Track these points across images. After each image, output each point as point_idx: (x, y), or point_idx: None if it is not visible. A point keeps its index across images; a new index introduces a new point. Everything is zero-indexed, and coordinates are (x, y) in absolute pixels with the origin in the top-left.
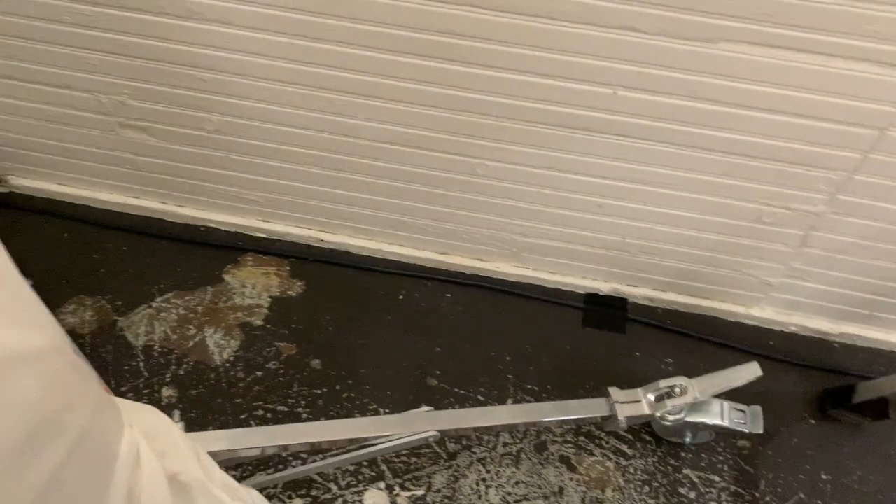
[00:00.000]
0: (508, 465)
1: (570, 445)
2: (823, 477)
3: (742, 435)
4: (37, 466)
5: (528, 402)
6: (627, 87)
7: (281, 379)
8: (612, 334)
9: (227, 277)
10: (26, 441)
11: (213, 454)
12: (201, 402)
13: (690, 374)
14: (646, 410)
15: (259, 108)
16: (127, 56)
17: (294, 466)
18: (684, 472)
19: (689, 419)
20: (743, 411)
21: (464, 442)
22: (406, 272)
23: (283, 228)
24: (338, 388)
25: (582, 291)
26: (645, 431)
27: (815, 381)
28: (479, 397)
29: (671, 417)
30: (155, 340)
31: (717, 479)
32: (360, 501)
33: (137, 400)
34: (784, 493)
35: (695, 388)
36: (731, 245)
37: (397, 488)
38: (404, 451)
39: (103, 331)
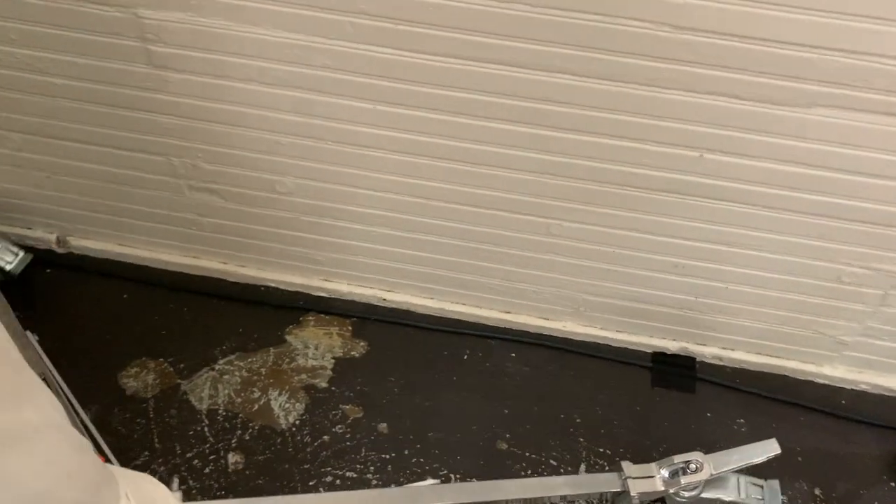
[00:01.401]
0: None
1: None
2: None
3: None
4: None
5: (601, 466)
6: (714, 150)
7: (348, 443)
8: (682, 394)
9: (289, 338)
10: None
11: None
12: (268, 467)
13: (763, 435)
14: (659, 487)
15: (336, 172)
16: (202, 120)
17: None
18: None
19: (704, 495)
20: (760, 486)
21: None
22: (470, 331)
23: (345, 288)
24: (406, 452)
25: (649, 350)
26: None
27: (892, 442)
28: (552, 461)
29: (686, 494)
30: (219, 404)
31: None
32: None
33: (203, 467)
34: None
35: (710, 464)
36: (807, 305)
37: None
38: None
39: (166, 394)
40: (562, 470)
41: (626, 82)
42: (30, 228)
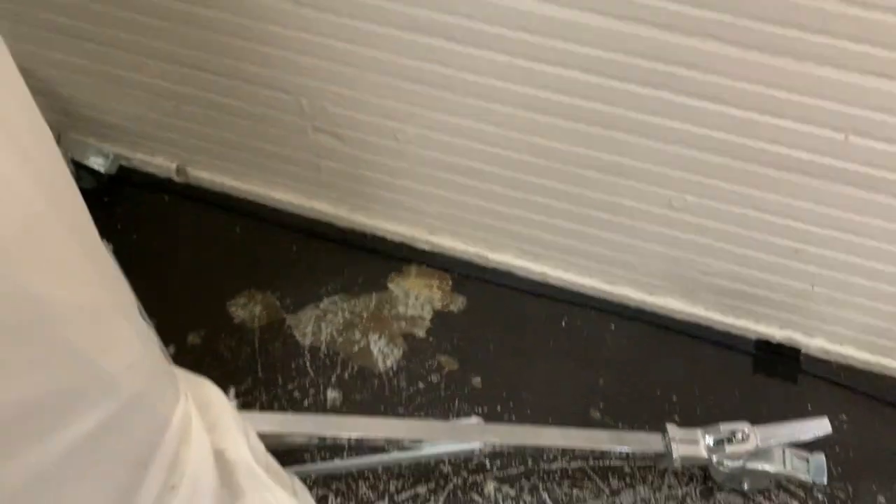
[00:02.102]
0: None
1: (736, 494)
2: None
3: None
4: (84, 419)
5: None
6: (862, 133)
7: (443, 393)
8: (784, 384)
9: (391, 286)
10: (74, 392)
11: (261, 436)
12: (365, 407)
13: (866, 435)
14: (703, 453)
15: (458, 124)
16: (335, 61)
17: (328, 461)
18: None
19: (748, 466)
20: (806, 460)
21: (627, 480)
22: (570, 299)
23: (449, 242)
24: (499, 409)
25: (753, 336)
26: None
27: None
28: None
29: (729, 464)
30: (321, 342)
31: None
32: None
33: (303, 399)
34: None
35: (757, 435)
36: None
37: None
38: (566, 481)
39: (272, 327)
40: None
41: (771, 53)
42: (152, 156)
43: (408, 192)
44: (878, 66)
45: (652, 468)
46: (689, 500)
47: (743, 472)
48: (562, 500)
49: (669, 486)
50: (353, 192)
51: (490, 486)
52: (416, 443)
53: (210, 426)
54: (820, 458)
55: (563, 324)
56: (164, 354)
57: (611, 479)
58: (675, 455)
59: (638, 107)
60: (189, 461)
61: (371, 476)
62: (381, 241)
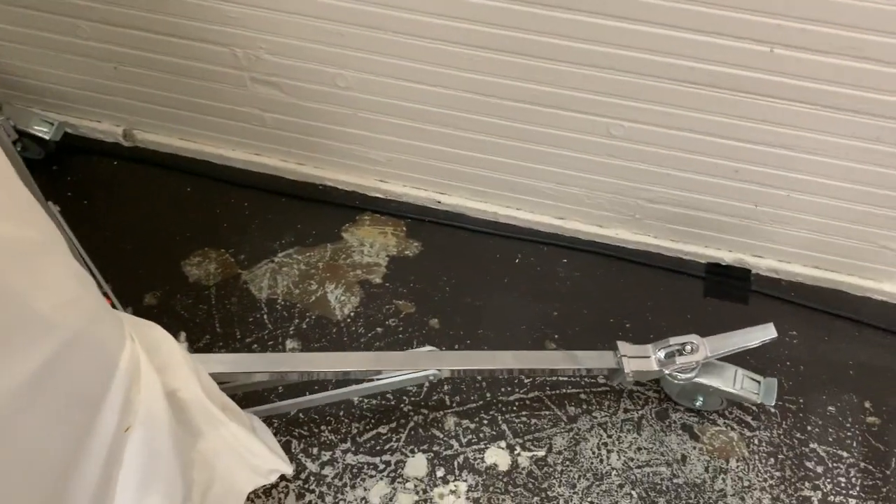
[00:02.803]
0: (630, 430)
1: (692, 414)
2: None
3: (756, 406)
4: (24, 357)
5: None
6: (787, 44)
7: (401, 336)
8: (735, 305)
9: (345, 235)
10: (10, 331)
11: (215, 377)
12: None
13: (815, 349)
14: (654, 367)
15: (396, 65)
16: (265, 8)
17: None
18: (811, 445)
19: (699, 380)
20: (758, 381)
21: (584, 406)
22: (522, 236)
23: (400, 189)
24: (456, 347)
25: (703, 261)
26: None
27: None
28: None
29: (681, 377)
30: (278, 294)
31: (845, 454)
32: (482, 459)
33: (263, 351)
34: None
35: (706, 346)
36: (871, 216)
37: (518, 448)
38: (524, 412)
39: (228, 283)
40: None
41: None
42: (98, 122)
43: (355, 140)
44: None
45: (608, 393)
46: (644, 421)
47: (696, 388)
48: (520, 429)
49: (625, 410)
50: (301, 144)
51: (450, 422)
52: (373, 376)
53: (161, 368)
54: (772, 381)
55: (517, 261)
56: (115, 302)
57: (568, 407)
58: (627, 370)
59: (567, 34)
60: (141, 402)
61: (333, 420)
62: (333, 191)
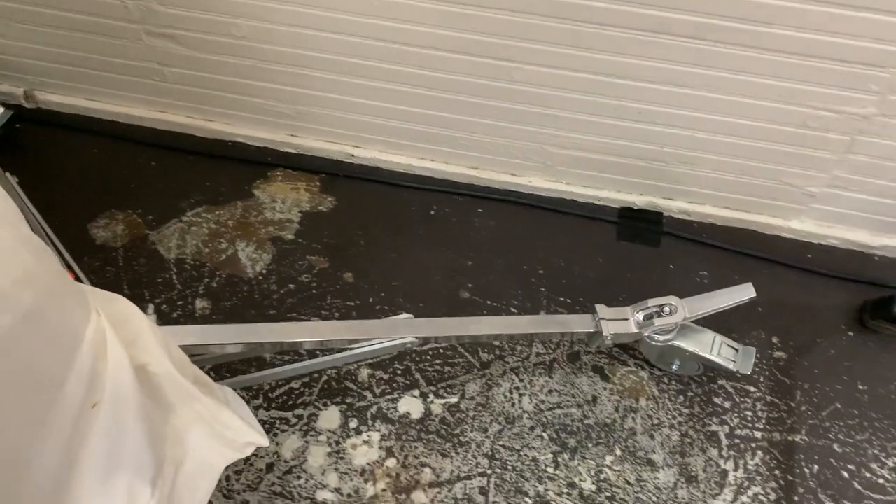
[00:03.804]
0: (541, 374)
1: (603, 356)
2: (861, 387)
3: (724, 371)
4: None
5: (561, 313)
6: None
7: (314, 291)
8: (647, 248)
9: (257, 192)
10: None
11: (186, 349)
12: (235, 313)
13: (726, 286)
14: (633, 329)
15: (288, 12)
16: None
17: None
18: (719, 382)
19: (678, 344)
20: (736, 349)
21: (497, 352)
22: (437, 187)
23: (312, 143)
24: (371, 300)
25: (616, 205)
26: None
27: (855, 294)
28: (513, 309)
29: (659, 338)
30: (187, 254)
31: (752, 389)
32: (395, 409)
33: (171, 312)
34: (820, 403)
35: (685, 307)
36: (772, 152)
37: (431, 396)
38: (438, 361)
39: (135, 244)
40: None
41: None
42: None
43: (261, 94)
44: None
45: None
46: (556, 364)
47: (673, 352)
48: (434, 378)
49: (537, 354)
50: (207, 100)
51: (364, 374)
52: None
53: (129, 342)
54: (749, 350)
55: (433, 212)
56: (71, 273)
57: (481, 353)
58: (605, 333)
59: None
60: (108, 377)
61: None
62: (244, 148)
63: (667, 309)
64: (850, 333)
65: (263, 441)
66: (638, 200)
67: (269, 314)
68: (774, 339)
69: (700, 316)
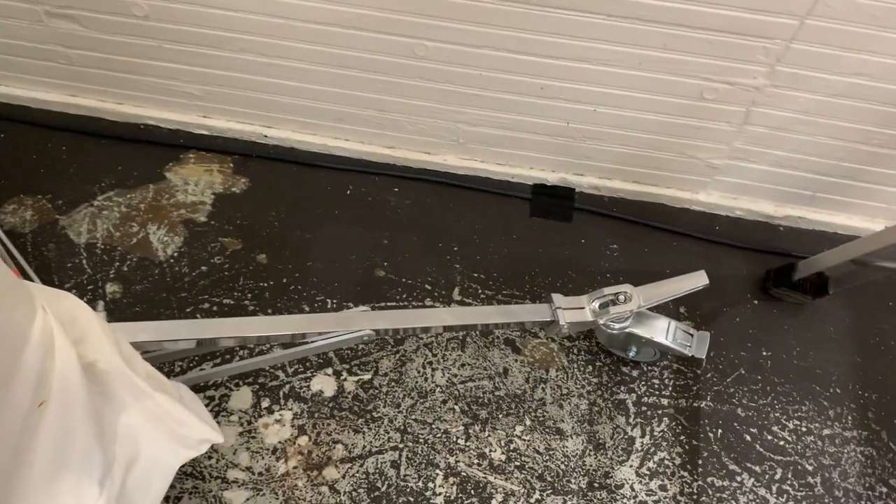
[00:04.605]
0: (454, 349)
1: (515, 329)
2: (764, 353)
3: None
4: None
5: (475, 289)
6: None
7: (226, 273)
8: (559, 223)
9: (168, 175)
10: None
11: (137, 346)
12: (146, 296)
13: (636, 261)
14: (589, 317)
15: None
16: None
17: (229, 363)
18: None
19: (633, 331)
20: (691, 334)
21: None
22: (353, 167)
23: (224, 124)
24: (285, 280)
25: (529, 182)
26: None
27: (760, 264)
28: (427, 286)
29: (615, 326)
30: (98, 238)
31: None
32: (308, 388)
33: (81, 296)
34: (725, 370)
35: (639, 296)
36: (673, 126)
37: (345, 373)
38: None
39: (44, 229)
40: (436, 293)
41: None
42: None
43: (169, 74)
44: None
45: None
46: (469, 339)
47: (629, 339)
48: (348, 356)
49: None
50: (114, 83)
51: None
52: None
53: (77, 339)
54: (704, 335)
55: (348, 192)
56: (15, 270)
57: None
58: (562, 322)
59: None
60: (56, 376)
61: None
62: (155, 130)
63: (622, 297)
64: (756, 302)
65: (219, 438)
66: (550, 177)
67: (181, 296)
68: (682, 309)
69: (654, 304)
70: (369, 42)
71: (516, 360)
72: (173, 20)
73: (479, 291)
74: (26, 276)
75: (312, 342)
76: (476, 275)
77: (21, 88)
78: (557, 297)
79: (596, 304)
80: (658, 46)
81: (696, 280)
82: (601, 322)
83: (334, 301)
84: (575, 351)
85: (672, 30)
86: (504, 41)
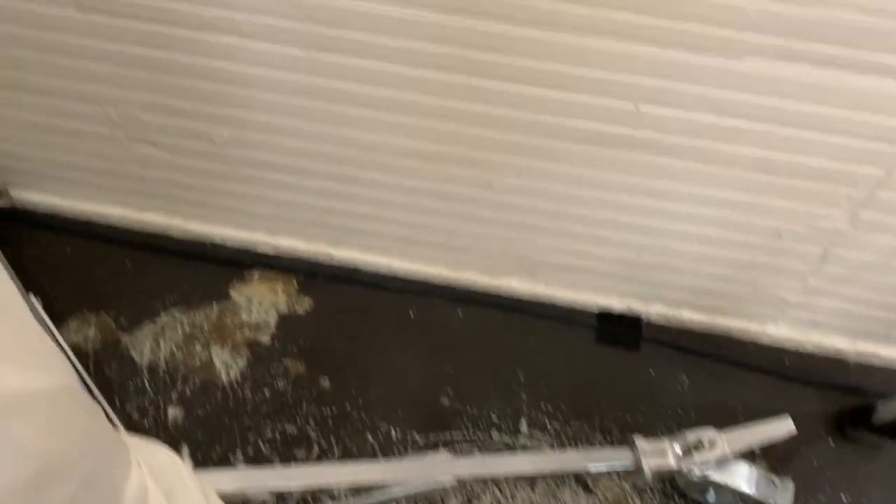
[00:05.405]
0: (524, 487)
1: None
2: (843, 499)
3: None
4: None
5: (542, 421)
6: (650, 101)
7: (289, 398)
8: (627, 352)
9: (233, 294)
10: (29, 485)
11: (221, 495)
12: (208, 422)
13: (706, 394)
14: (672, 464)
15: (270, 121)
16: (139, 68)
17: None
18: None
19: (714, 478)
20: (774, 483)
21: None
22: (416, 289)
23: (290, 243)
24: (348, 407)
25: (595, 309)
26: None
27: (832, 401)
28: (493, 417)
29: (697, 472)
30: (160, 358)
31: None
32: None
33: (142, 419)
34: None
35: (724, 441)
36: (747, 262)
37: None
38: None
39: (107, 348)
40: (502, 425)
41: (550, 28)
42: None
43: (240, 197)
44: (654, 34)
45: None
46: (538, 476)
47: (709, 483)
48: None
49: None
50: (184, 201)
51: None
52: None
53: (168, 492)
54: (788, 484)
55: (411, 314)
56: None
57: None
58: (646, 469)
59: (438, 92)
60: None
61: None
62: (221, 248)
63: (706, 442)
64: (831, 442)
65: None
66: (617, 304)
67: (243, 422)
68: (755, 449)
69: (740, 451)
70: (445, 174)
71: (588, 501)
72: (252, 147)
73: (548, 423)
74: (113, 423)
75: (392, 489)
76: (543, 405)
77: (89, 203)
78: (640, 441)
79: (678, 449)
80: (739, 189)
81: (782, 427)
82: (685, 470)
83: (397, 429)
84: (649, 492)
85: (754, 174)
86: (581, 179)
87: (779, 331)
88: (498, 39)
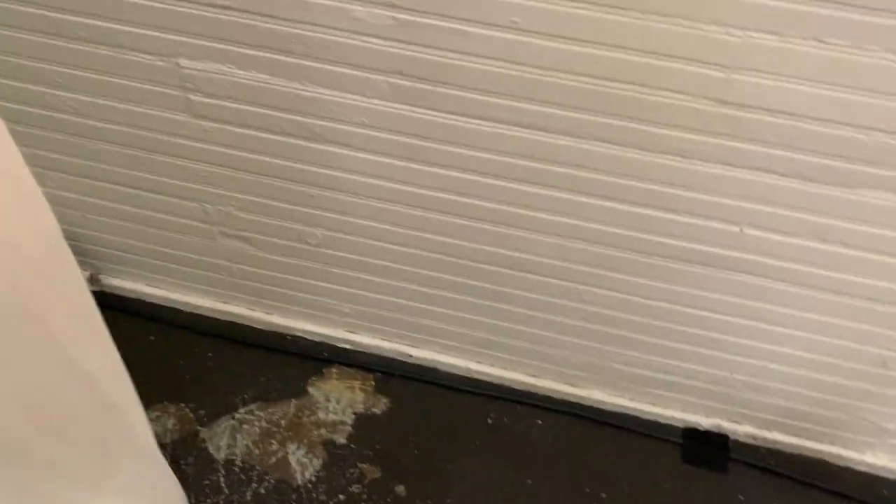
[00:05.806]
0: None
1: None
2: None
3: None
4: None
5: None
6: (756, 225)
7: None
8: (714, 473)
9: (311, 390)
10: None
11: None
12: None
13: None
14: None
15: (363, 225)
16: (241, 170)
17: None
18: None
19: None
20: None
21: None
22: (495, 393)
23: (369, 340)
24: None
25: (681, 425)
26: None
27: None
28: None
29: None
30: (237, 454)
31: None
32: None
33: None
34: None
35: None
36: (848, 388)
37: None
38: None
39: (185, 441)
40: None
41: (660, 153)
42: None
43: (325, 293)
44: (765, 163)
45: None
46: None
47: None
48: None
49: None
50: (269, 294)
51: None
52: None
53: None
54: None
55: (490, 421)
56: None
57: None
58: None
59: (535, 205)
60: None
61: None
62: (301, 341)
63: None
64: None
65: None
66: (704, 421)
67: None
68: None
69: None
70: (534, 284)
71: None
72: (342, 248)
73: None
74: None
75: None
76: None
77: (175, 292)
78: None
79: None
80: (847, 317)
81: None
82: None
83: None
84: None
85: (863, 303)
86: (681, 297)
87: (876, 459)
88: (598, 158)
